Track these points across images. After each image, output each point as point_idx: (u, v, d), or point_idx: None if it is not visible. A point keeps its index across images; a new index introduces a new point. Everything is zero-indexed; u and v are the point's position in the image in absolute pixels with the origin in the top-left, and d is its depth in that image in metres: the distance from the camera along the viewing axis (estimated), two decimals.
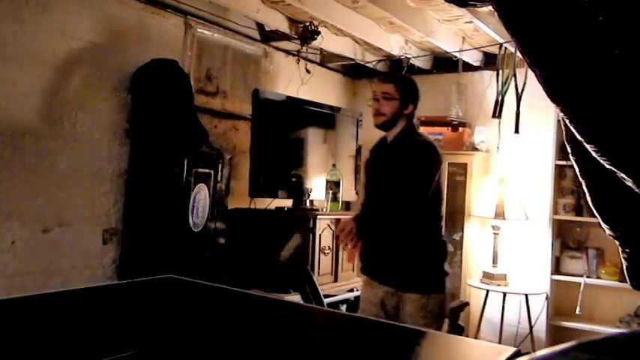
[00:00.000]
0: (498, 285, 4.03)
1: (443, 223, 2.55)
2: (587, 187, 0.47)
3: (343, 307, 3.65)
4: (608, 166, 0.38)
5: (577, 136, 0.40)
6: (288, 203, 3.67)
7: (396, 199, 2.37)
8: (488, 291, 4.04)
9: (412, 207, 2.37)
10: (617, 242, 0.47)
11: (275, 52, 4.10)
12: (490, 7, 0.43)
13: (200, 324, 1.58)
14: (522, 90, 3.89)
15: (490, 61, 4.34)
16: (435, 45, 4.00)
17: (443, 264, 2.50)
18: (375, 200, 2.52)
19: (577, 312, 3.92)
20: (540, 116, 3.99)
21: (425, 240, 2.47)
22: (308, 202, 3.70)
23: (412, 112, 2.51)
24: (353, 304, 3.64)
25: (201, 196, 3.04)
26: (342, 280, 3.72)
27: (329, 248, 3.60)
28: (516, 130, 3.94)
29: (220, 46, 3.69)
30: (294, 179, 3.72)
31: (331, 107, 4.24)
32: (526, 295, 4.00)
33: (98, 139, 2.94)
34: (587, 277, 3.97)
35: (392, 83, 2.53)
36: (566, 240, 4.21)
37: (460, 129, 4.38)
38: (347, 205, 4.32)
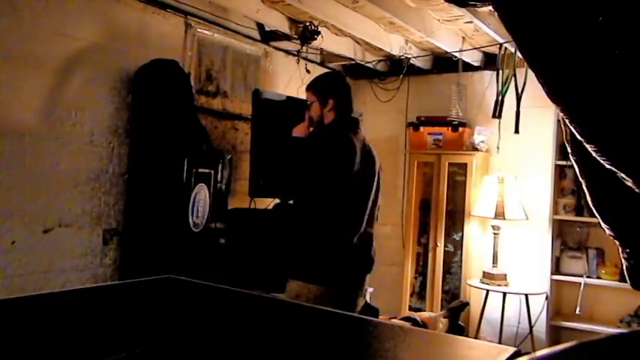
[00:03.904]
0: (498, 285, 4.03)
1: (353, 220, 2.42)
2: (587, 187, 0.47)
3: None
4: (608, 166, 0.38)
5: (577, 136, 0.40)
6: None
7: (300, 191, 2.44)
8: (488, 291, 4.04)
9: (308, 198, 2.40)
10: (617, 242, 0.47)
11: (275, 52, 4.10)
12: (490, 7, 0.43)
13: (200, 324, 1.58)
14: (522, 90, 3.90)
15: (490, 61, 4.34)
16: (435, 45, 4.00)
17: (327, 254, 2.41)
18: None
19: (577, 312, 3.92)
20: (540, 116, 3.99)
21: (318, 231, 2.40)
22: None
23: (334, 106, 2.49)
24: None
25: (201, 196, 3.04)
26: None
27: None
28: (516, 130, 3.94)
29: (220, 46, 3.69)
30: None
31: None
32: (526, 295, 4.00)
33: (98, 139, 2.94)
34: (587, 277, 3.97)
35: (308, 90, 2.59)
36: (566, 240, 4.21)
37: (460, 129, 4.38)
38: None
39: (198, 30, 3.48)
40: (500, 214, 4.08)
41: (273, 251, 2.93)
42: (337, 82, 2.61)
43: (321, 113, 2.52)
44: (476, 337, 3.93)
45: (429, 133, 4.50)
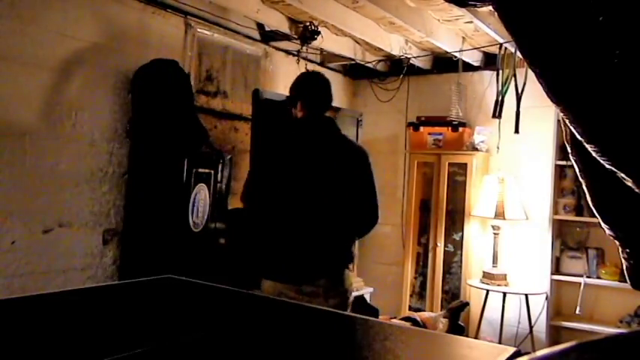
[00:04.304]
0: (498, 285, 4.03)
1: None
2: (587, 187, 0.47)
3: None
4: (608, 166, 0.38)
5: (577, 136, 0.40)
6: None
7: None
8: (488, 291, 4.04)
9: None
10: (617, 242, 0.47)
11: (275, 52, 4.10)
12: (490, 7, 0.43)
13: (200, 324, 1.58)
14: (522, 90, 3.90)
15: (490, 61, 4.34)
16: (435, 45, 4.00)
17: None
18: None
19: (577, 312, 3.92)
20: (540, 116, 3.99)
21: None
22: None
23: (302, 106, 2.58)
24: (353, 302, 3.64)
25: (201, 196, 3.04)
26: None
27: None
28: (516, 130, 3.94)
29: (220, 46, 3.69)
30: None
31: (331, 107, 4.24)
32: (526, 295, 4.00)
33: (98, 139, 2.94)
34: (587, 277, 3.97)
35: None
36: (566, 240, 4.21)
37: (460, 129, 4.38)
38: None
39: (198, 30, 3.48)
40: (500, 214, 4.08)
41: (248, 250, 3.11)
42: (303, 83, 2.66)
43: (294, 114, 2.60)
44: (476, 337, 3.93)
45: (429, 133, 4.50)
